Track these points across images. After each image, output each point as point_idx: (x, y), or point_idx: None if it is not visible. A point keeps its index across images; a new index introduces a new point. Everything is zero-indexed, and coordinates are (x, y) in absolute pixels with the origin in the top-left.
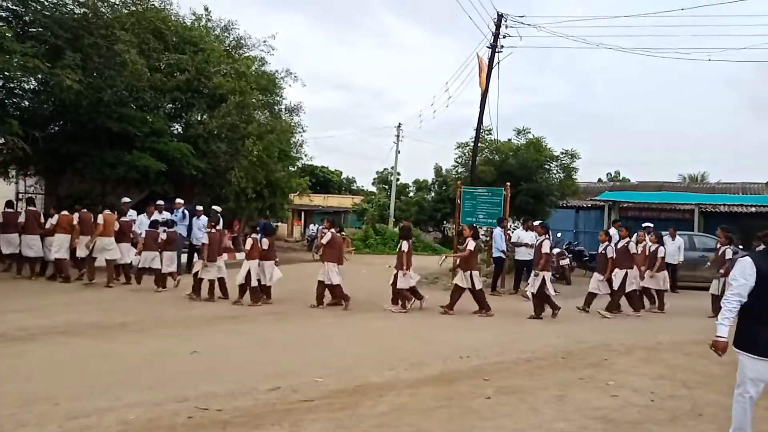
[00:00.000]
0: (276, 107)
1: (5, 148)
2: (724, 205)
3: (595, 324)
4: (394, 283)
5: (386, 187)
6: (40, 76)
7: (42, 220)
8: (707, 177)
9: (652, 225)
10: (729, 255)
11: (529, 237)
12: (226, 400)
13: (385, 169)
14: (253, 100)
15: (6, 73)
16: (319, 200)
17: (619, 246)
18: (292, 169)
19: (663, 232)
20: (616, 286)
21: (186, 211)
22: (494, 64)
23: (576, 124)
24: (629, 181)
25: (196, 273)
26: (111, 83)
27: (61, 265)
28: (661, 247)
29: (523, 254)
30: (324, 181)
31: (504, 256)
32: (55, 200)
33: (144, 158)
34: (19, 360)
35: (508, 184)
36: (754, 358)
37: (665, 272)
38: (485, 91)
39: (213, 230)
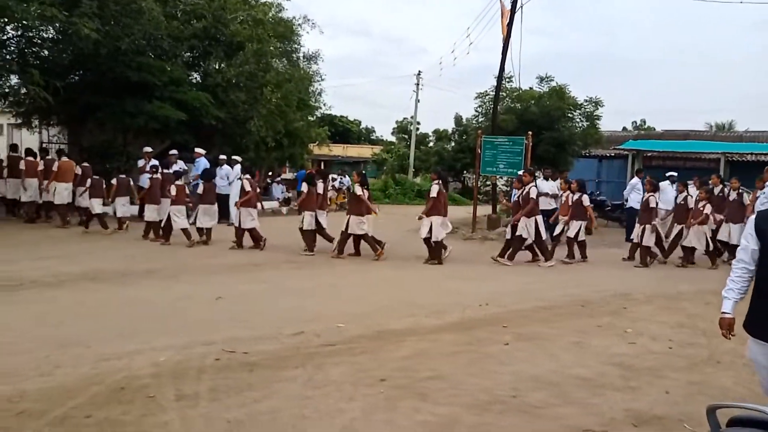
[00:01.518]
0: (294, 55)
1: (27, 98)
2: (751, 153)
3: (617, 273)
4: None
5: (406, 136)
6: (57, 25)
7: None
8: (735, 125)
9: (676, 174)
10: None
11: (549, 187)
12: (252, 344)
13: (404, 118)
14: (271, 48)
15: (24, 22)
16: (338, 150)
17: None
18: (311, 118)
19: (688, 181)
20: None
21: (206, 161)
22: (516, 8)
23: (601, 71)
24: (654, 129)
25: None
26: (128, 31)
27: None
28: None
29: (544, 204)
30: (343, 130)
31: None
32: (78, 150)
33: (164, 108)
34: (51, 305)
35: (530, 133)
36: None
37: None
38: (507, 38)
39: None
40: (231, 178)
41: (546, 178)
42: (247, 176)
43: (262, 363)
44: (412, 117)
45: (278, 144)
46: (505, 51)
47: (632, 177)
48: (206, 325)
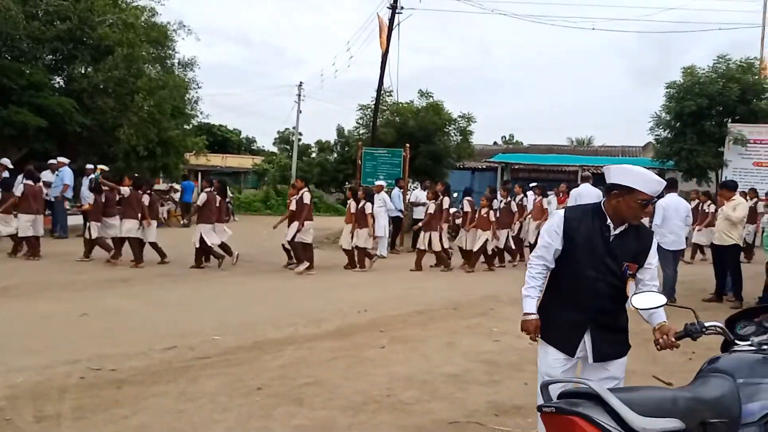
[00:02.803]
0: (168, 61)
1: None
2: (604, 167)
3: (486, 278)
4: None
5: (288, 147)
6: None
7: None
8: (593, 140)
9: (538, 184)
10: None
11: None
12: (120, 361)
13: (286, 129)
14: (143, 54)
15: None
16: (217, 160)
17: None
18: (187, 127)
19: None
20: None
21: (71, 171)
22: (394, 24)
23: (474, 88)
24: (522, 144)
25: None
26: None
27: None
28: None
29: (421, 213)
30: (222, 140)
31: (401, 216)
32: None
33: (21, 113)
34: None
35: (408, 145)
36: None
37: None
38: (386, 52)
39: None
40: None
41: (424, 189)
42: (209, 189)
43: (131, 380)
44: (294, 128)
45: (151, 153)
46: (383, 65)
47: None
48: (71, 343)
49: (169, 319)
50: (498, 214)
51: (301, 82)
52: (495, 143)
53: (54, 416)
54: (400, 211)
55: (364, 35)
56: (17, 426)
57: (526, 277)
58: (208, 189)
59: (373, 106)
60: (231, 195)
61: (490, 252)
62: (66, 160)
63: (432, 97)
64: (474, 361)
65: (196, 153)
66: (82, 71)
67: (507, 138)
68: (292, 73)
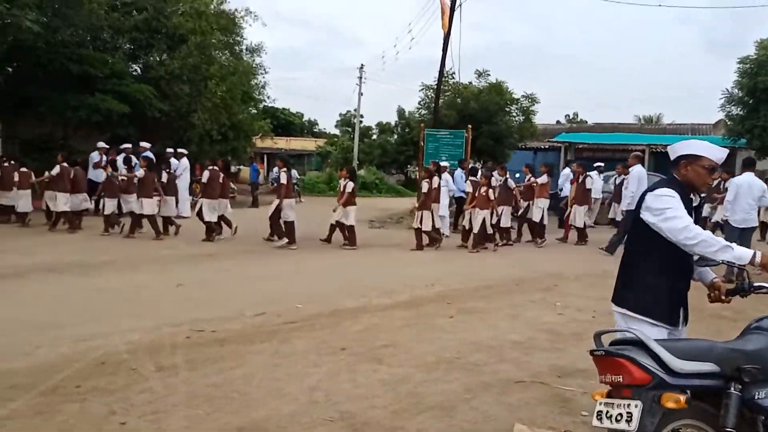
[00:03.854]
0: (236, 48)
1: None
2: (669, 145)
3: (550, 256)
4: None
5: (349, 129)
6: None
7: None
8: (662, 118)
9: (603, 164)
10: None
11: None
12: (218, 324)
13: (348, 111)
14: (214, 41)
15: None
16: (281, 143)
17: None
18: (254, 111)
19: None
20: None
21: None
22: (456, 5)
23: (536, 65)
24: (586, 122)
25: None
26: (69, 23)
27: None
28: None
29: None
30: (285, 123)
31: (464, 196)
32: (19, 144)
33: (107, 101)
34: (17, 294)
35: (470, 126)
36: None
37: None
38: (447, 34)
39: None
40: (179, 171)
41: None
42: (213, 167)
43: (230, 339)
44: (355, 110)
45: (224, 137)
46: (445, 47)
47: (564, 167)
48: (171, 309)
49: (254, 290)
50: (496, 193)
51: (362, 65)
52: (558, 122)
53: (171, 367)
54: (463, 191)
55: (424, 16)
56: (142, 374)
57: (709, 239)
58: (211, 167)
59: (434, 87)
60: (297, 177)
61: (489, 231)
62: (147, 145)
63: (489, 75)
64: (538, 330)
65: (262, 136)
66: (158, 59)
67: (570, 117)
68: (350, 55)
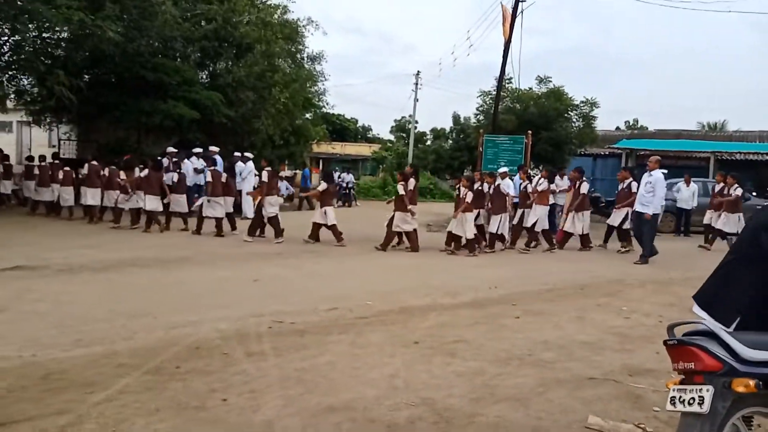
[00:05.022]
0: (299, 56)
1: (40, 97)
2: (739, 153)
3: (611, 262)
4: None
5: (404, 135)
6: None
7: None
8: (727, 125)
9: (666, 171)
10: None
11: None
12: (295, 316)
13: (402, 117)
14: (278, 49)
15: (48, 24)
16: (337, 148)
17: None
18: (309, 116)
19: (677, 179)
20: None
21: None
22: (518, 12)
23: (595, 70)
24: (647, 129)
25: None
26: (145, 33)
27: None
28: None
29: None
30: (341, 128)
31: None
32: (95, 148)
33: (178, 107)
34: (107, 285)
35: (530, 132)
36: None
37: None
38: (508, 41)
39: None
40: (244, 174)
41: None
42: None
43: (310, 330)
44: (410, 116)
45: (286, 142)
46: (506, 53)
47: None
48: (251, 301)
49: (324, 287)
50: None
51: (418, 71)
52: (618, 128)
53: (259, 353)
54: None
55: (484, 23)
56: (234, 358)
57: None
58: (211, 167)
59: (493, 93)
60: (352, 181)
61: (470, 235)
62: (216, 149)
63: (551, 81)
64: (606, 333)
65: (318, 141)
66: (226, 67)
67: (631, 123)
68: (402, 61)
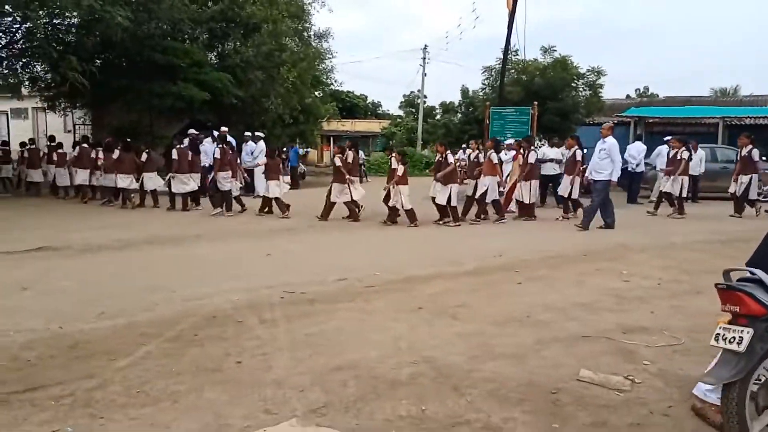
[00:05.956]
0: (305, 34)
1: (54, 83)
2: (749, 117)
3: (619, 228)
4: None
5: (413, 110)
6: (90, 14)
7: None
8: (739, 90)
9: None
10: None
11: (554, 153)
12: (305, 287)
13: (411, 92)
14: (285, 28)
15: (58, 10)
16: (347, 125)
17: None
18: (319, 94)
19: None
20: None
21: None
22: None
23: (603, 39)
24: (657, 96)
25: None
26: (153, 16)
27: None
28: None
29: (548, 169)
30: (350, 106)
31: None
32: (108, 131)
33: (189, 88)
34: (126, 263)
35: (535, 103)
36: None
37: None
38: (512, 12)
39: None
40: (256, 154)
41: (552, 146)
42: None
43: (319, 299)
44: (419, 91)
45: (295, 120)
46: (510, 25)
47: (634, 142)
48: (264, 274)
49: (333, 259)
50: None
51: (426, 45)
52: (628, 96)
53: (271, 320)
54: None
55: None
56: (248, 325)
57: None
58: (179, 145)
59: (497, 68)
60: (363, 157)
61: (408, 206)
62: (226, 129)
63: (556, 51)
64: (604, 295)
65: (328, 119)
66: (234, 47)
67: (641, 91)
68: (409, 36)
